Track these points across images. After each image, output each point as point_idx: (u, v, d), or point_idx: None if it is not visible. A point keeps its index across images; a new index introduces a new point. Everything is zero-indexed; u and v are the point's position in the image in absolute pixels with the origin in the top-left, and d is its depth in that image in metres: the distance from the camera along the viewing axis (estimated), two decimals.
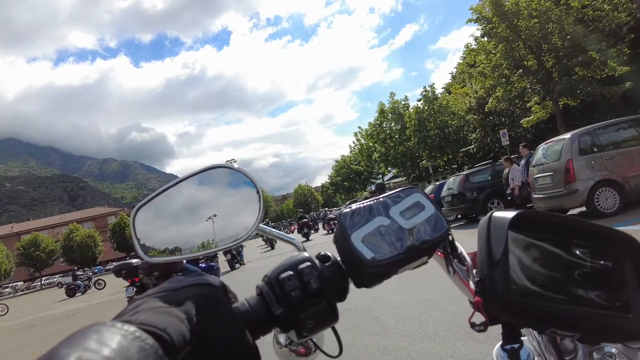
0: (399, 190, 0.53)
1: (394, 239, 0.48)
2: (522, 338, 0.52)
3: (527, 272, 0.42)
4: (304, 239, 20.84)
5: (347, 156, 51.27)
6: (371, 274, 0.47)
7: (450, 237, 0.51)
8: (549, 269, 0.43)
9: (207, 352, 0.37)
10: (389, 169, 37.79)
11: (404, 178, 43.68)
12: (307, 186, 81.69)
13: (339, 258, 0.49)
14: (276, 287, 0.44)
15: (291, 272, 0.45)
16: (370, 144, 39.46)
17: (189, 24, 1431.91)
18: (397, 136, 32.35)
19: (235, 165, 0.60)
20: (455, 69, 38.05)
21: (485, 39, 18.17)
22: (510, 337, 0.44)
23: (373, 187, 51.45)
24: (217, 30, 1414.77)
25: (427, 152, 29.01)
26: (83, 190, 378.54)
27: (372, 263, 0.46)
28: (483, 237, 0.44)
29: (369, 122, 36.31)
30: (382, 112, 34.30)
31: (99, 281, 22.00)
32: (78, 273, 22.77)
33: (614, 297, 0.42)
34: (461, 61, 34.74)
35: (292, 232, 28.83)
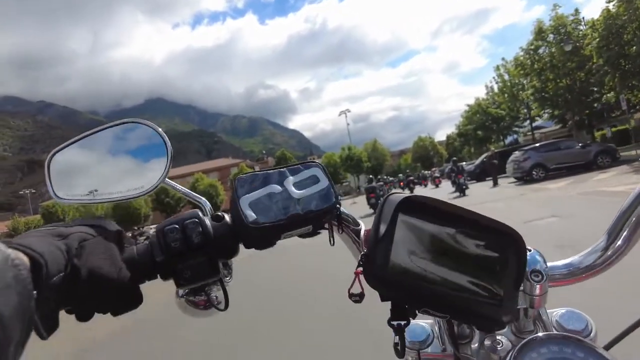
0: (300, 163, 0.57)
1: (280, 206, 0.51)
2: (428, 321, 0.57)
3: (410, 252, 0.44)
4: (408, 191, 24.74)
5: (483, 99, 41.97)
6: (253, 235, 0.51)
7: (338, 211, 0.54)
8: (431, 253, 0.45)
9: (81, 283, 0.39)
10: (545, 111, 28.54)
11: (559, 126, 33.96)
12: (430, 138, 72.98)
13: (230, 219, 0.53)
14: (160, 237, 0.47)
15: (176, 225, 0.48)
16: (517, 80, 30.79)
17: None
18: (561, 65, 23.49)
19: (149, 122, 0.62)
20: None
21: None
22: (397, 314, 0.45)
23: (512, 138, 42.16)
24: None
25: (617, 79, 19.60)
26: (217, 144, 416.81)
27: (252, 225, 0.49)
28: (376, 216, 0.47)
29: (520, 47, 27.41)
30: (539, 32, 25.03)
31: None
32: None
33: (489, 286, 0.44)
34: None
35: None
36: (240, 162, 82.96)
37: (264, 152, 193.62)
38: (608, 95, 21.20)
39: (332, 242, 0.57)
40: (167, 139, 0.62)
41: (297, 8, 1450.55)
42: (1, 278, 0.29)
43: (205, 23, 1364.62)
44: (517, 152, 18.09)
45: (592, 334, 0.50)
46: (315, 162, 0.57)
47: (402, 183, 32.84)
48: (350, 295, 0.48)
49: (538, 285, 0.48)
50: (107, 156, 0.63)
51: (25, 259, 0.33)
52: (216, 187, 63.67)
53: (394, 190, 0.52)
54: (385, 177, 36.89)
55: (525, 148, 17.62)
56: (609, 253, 0.51)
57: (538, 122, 37.01)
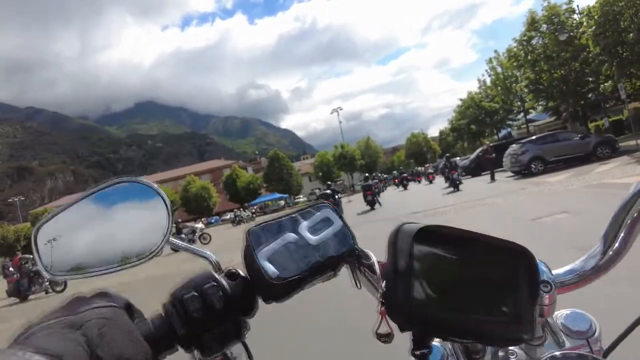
0: (310, 206, 0.56)
1: (300, 256, 0.50)
2: (435, 341, 0.55)
3: (430, 283, 0.44)
4: (402, 188, 28.60)
5: (476, 93, 41.49)
6: (277, 291, 0.48)
7: (356, 252, 0.53)
8: (451, 281, 0.45)
9: None
10: (540, 102, 27.99)
11: (553, 118, 33.52)
12: (423, 134, 71.99)
13: (246, 274, 0.50)
14: (179, 308, 0.44)
15: (195, 293, 0.45)
16: (510, 73, 30.26)
17: None
18: (555, 55, 23.01)
19: (143, 179, 0.59)
20: None
21: None
22: (419, 344, 0.45)
23: (506, 132, 41.83)
24: None
25: (615, 67, 19.02)
26: (210, 145, 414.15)
27: (276, 281, 0.47)
28: (390, 249, 0.46)
29: (514, 38, 26.95)
30: (532, 22, 24.65)
31: (204, 235, 19.38)
32: (180, 227, 20.49)
33: (508, 306, 0.44)
34: None
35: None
36: (232, 163, 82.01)
37: (257, 152, 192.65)
38: (605, 84, 20.73)
39: (358, 285, 0.54)
40: (164, 194, 0.57)
41: (286, 7, 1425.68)
42: None
43: (194, 24, 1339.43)
44: (514, 145, 17.62)
45: (596, 334, 0.51)
46: (324, 203, 0.56)
47: (396, 180, 34.20)
48: (378, 336, 0.46)
49: (547, 296, 0.48)
50: (101, 222, 0.57)
51: None
52: (208, 190, 62.84)
53: (404, 220, 0.49)
54: (379, 174, 36.71)
55: (523, 141, 17.16)
56: (608, 255, 0.52)
57: (531, 114, 36.60)
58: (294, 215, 0.54)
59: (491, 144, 21.13)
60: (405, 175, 30.77)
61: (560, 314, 0.53)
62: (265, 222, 0.52)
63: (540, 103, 27.85)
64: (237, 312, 0.47)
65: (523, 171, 16.26)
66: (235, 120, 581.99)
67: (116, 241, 0.56)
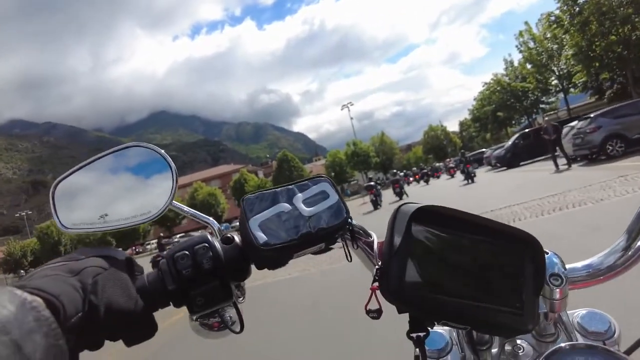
0: (308, 179, 0.57)
1: (291, 226, 0.51)
2: (446, 327, 0.54)
3: (426, 264, 0.43)
4: (425, 183, 28.70)
5: (502, 75, 37.04)
6: (265, 257, 0.50)
7: (349, 226, 0.54)
8: (448, 263, 0.44)
9: (99, 320, 0.39)
10: (593, 72, 22.96)
11: (594, 98, 28.81)
12: (442, 126, 66.47)
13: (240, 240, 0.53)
14: (171, 265, 0.47)
15: (186, 252, 0.48)
16: (544, 47, 25.91)
17: None
18: (613, 13, 18.61)
19: (155, 146, 0.62)
20: None
21: None
22: (416, 326, 0.44)
23: (532, 118, 37.20)
24: None
25: None
26: (223, 152, 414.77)
27: (264, 247, 0.49)
28: (389, 228, 0.45)
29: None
30: None
31: None
32: (163, 243, 17.60)
33: (508, 295, 0.43)
34: None
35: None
36: (240, 168, 78.64)
37: (268, 156, 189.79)
38: None
39: (349, 258, 0.56)
40: (170, 160, 0.60)
41: (294, 11, 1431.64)
42: (22, 323, 0.27)
43: (204, 32, 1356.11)
44: (577, 122, 13.47)
45: (615, 336, 0.49)
46: (323, 176, 0.57)
47: (417, 175, 33.75)
48: (368, 312, 0.47)
49: (558, 290, 0.47)
50: (112, 183, 0.62)
51: (42, 303, 0.32)
52: (216, 196, 59.75)
53: (405, 200, 0.48)
54: (397, 172, 34.15)
55: (592, 115, 12.92)
56: (630, 253, 0.49)
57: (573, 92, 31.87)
58: (290, 186, 0.55)
59: (553, 122, 16.14)
60: (425, 170, 31.53)
61: (577, 313, 0.51)
62: (261, 190, 0.54)
63: (593, 73, 22.90)
64: (227, 275, 0.49)
65: (593, 155, 12.14)
66: (247, 125, 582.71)
67: (125, 201, 0.60)
